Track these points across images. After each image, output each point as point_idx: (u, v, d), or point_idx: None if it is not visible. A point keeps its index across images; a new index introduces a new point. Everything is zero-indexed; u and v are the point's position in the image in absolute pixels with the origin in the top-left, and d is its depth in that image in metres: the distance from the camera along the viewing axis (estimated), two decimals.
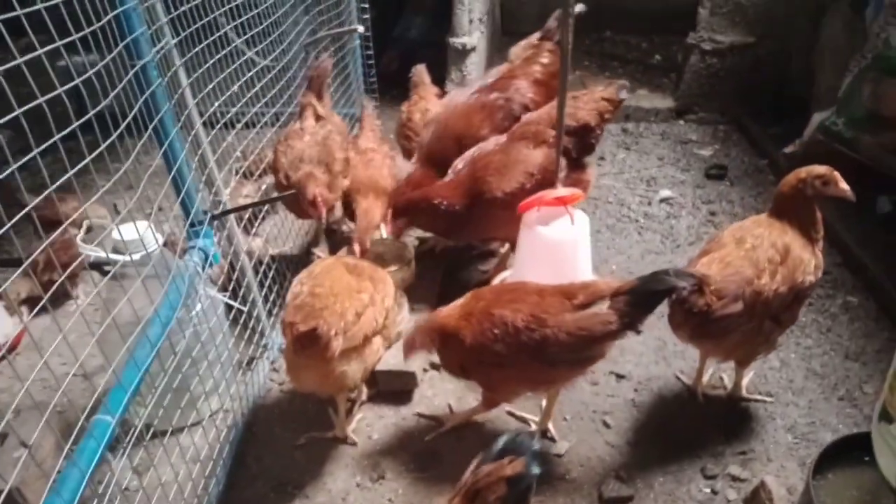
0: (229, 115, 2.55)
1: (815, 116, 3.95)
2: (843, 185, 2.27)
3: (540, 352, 2.08)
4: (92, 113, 1.48)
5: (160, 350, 1.82)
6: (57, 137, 1.33)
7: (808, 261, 2.26)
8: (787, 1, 4.62)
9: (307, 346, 1.98)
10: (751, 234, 2.30)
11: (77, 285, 3.23)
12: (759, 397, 2.60)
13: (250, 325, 2.65)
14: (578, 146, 2.87)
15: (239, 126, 2.70)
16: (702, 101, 5.02)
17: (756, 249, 2.22)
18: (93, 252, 2.23)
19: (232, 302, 2.32)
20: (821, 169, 2.28)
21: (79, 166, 1.42)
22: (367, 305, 2.17)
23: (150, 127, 1.90)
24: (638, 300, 2.04)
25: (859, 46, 3.76)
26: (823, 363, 2.80)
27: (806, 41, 4.53)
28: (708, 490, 2.27)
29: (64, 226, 1.64)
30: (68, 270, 1.55)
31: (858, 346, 2.88)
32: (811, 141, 3.95)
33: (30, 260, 1.39)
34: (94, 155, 1.48)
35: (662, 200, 4.05)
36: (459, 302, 2.29)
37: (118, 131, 1.57)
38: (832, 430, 2.46)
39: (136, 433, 1.76)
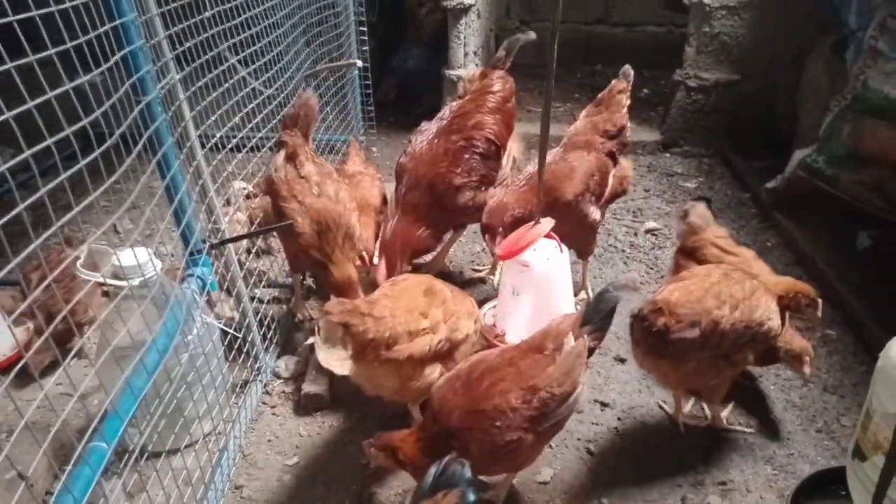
0: (233, 143, 2.67)
1: (796, 153, 4.08)
2: (808, 358, 2.56)
3: (541, 418, 2.01)
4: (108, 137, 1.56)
5: (156, 375, 1.87)
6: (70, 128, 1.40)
7: (772, 310, 2.37)
8: (771, 41, 4.79)
9: (354, 343, 2.12)
10: (724, 271, 2.42)
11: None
12: (738, 428, 2.67)
13: (245, 350, 2.70)
14: (619, 146, 3.23)
15: (241, 154, 2.80)
16: (687, 135, 5.17)
17: (721, 284, 2.33)
18: (92, 278, 2.30)
19: (228, 329, 2.38)
20: (813, 293, 2.50)
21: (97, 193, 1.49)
22: (424, 330, 2.21)
23: (153, 161, 1.99)
24: (596, 324, 2.13)
25: (840, 87, 3.91)
26: (802, 395, 2.87)
27: (790, 80, 4.69)
28: None
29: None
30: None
31: (836, 378, 2.96)
32: (792, 177, 4.07)
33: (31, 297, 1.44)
34: (111, 181, 1.55)
35: (648, 231, 4.15)
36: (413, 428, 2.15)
37: (126, 163, 1.65)
38: (810, 462, 2.53)
39: (131, 458, 1.80)
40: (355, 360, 2.14)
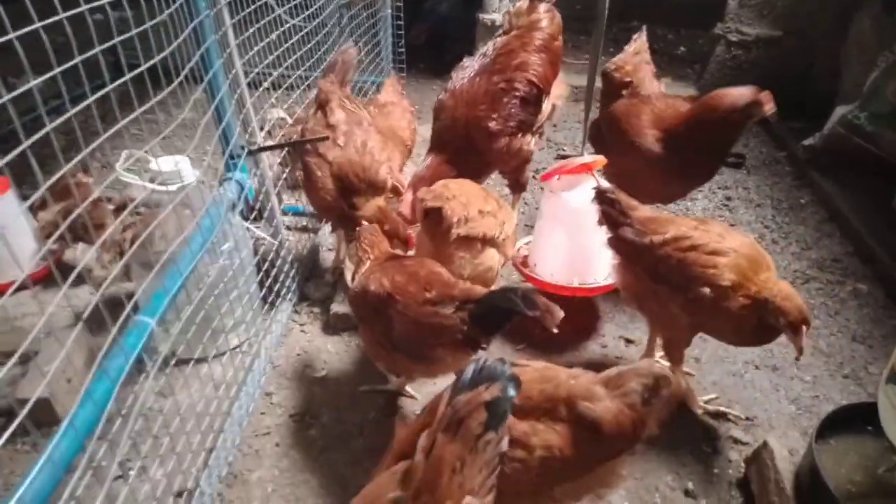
0: (267, 62, 2.64)
1: (837, 110, 4.00)
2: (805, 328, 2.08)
3: (390, 324, 2.03)
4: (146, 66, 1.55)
5: (188, 281, 1.86)
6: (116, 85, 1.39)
7: (727, 262, 2.16)
8: None
9: (431, 224, 2.22)
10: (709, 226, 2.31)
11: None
12: (713, 408, 2.50)
13: (276, 266, 2.72)
14: None
15: (275, 74, 2.78)
16: None
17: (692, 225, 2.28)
18: (132, 181, 2.31)
19: (262, 234, 2.39)
20: (795, 316, 2.06)
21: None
22: (490, 212, 2.37)
23: (197, 55, 1.97)
24: (479, 315, 1.89)
25: (887, 44, 3.80)
26: (830, 343, 2.86)
27: (831, 38, 4.56)
28: (710, 450, 2.35)
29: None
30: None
31: (865, 330, 2.94)
32: (831, 134, 3.99)
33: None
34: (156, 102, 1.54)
35: None
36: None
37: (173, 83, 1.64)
38: (835, 405, 2.52)
39: (160, 359, 1.79)
40: (436, 241, 2.29)
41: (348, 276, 2.72)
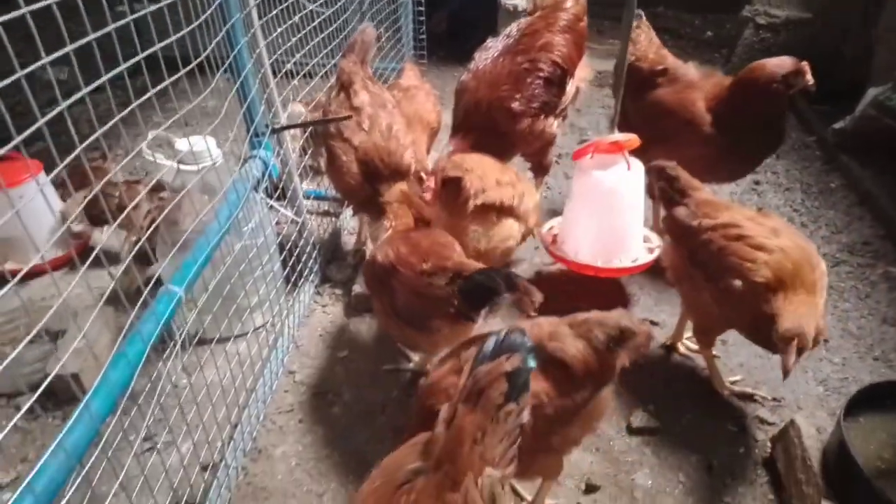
0: (287, 48, 2.65)
1: (869, 91, 3.90)
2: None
3: (394, 294, 2.09)
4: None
5: (213, 260, 1.87)
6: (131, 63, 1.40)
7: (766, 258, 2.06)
8: None
9: (449, 195, 2.31)
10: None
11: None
12: (740, 389, 2.46)
13: (298, 246, 2.74)
14: None
15: (295, 58, 2.78)
16: None
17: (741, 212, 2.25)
18: (157, 159, 2.35)
19: (287, 212, 2.41)
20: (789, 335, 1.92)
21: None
22: (508, 182, 2.44)
23: (221, 33, 1.99)
24: (465, 290, 1.94)
25: None
26: (860, 326, 2.80)
27: (861, 20, 4.44)
28: (735, 429, 2.32)
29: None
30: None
31: None
32: (862, 116, 3.90)
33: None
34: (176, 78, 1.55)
35: None
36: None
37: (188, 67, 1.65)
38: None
39: (186, 334, 1.80)
40: (453, 213, 2.37)
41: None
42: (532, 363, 1.44)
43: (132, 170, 3.70)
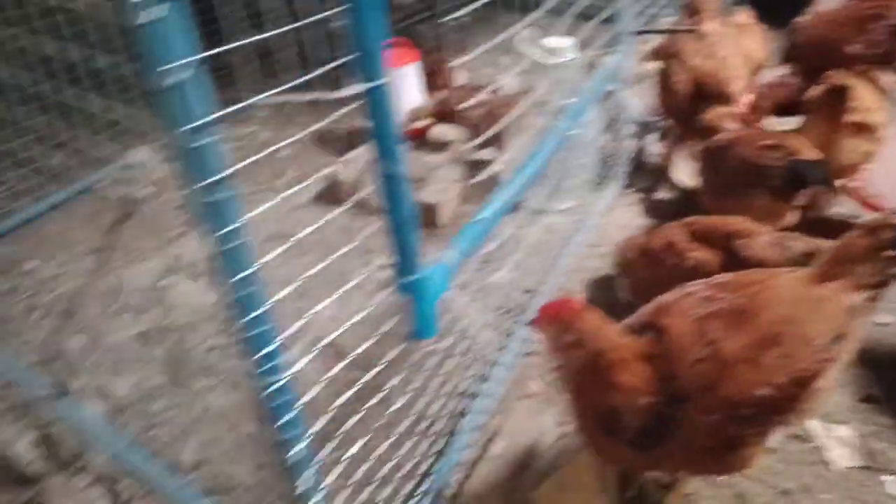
0: None
1: None
2: None
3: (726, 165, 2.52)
4: None
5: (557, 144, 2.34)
6: None
7: None
8: None
9: (831, 103, 2.55)
10: None
11: None
12: None
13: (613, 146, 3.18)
14: None
15: None
16: None
17: None
18: (526, 49, 2.90)
19: (632, 100, 2.81)
20: None
21: None
22: (879, 108, 2.61)
23: None
24: (790, 167, 2.27)
25: None
26: None
27: None
28: None
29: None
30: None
31: None
32: None
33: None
34: None
35: None
36: None
37: None
38: None
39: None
40: (829, 121, 2.55)
41: (675, 174, 3.08)
42: None
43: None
